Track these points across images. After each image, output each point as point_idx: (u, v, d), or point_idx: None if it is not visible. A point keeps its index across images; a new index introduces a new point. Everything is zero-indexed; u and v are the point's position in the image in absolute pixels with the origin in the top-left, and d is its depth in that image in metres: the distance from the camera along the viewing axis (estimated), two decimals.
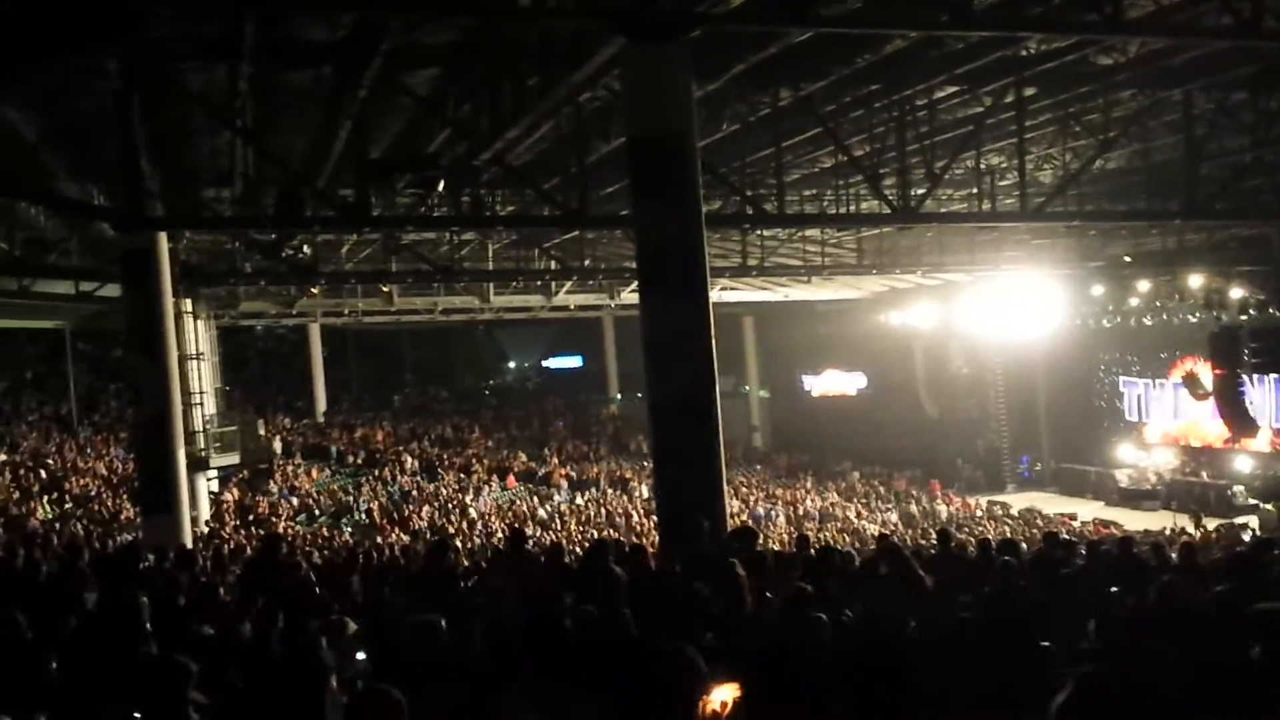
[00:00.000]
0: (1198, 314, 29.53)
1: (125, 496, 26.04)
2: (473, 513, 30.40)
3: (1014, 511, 33.16)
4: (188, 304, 26.14)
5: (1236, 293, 27.45)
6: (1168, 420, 35.04)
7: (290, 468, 33.58)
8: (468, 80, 15.74)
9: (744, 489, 34.64)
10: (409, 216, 21.31)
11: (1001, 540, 12.80)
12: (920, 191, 18.88)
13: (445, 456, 36.60)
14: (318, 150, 18.00)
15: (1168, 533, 25.53)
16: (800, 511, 32.88)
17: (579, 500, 33.19)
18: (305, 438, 37.59)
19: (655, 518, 18.32)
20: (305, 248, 23.85)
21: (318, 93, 15.74)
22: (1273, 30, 13.57)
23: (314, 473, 33.78)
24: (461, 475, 34.63)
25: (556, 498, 33.44)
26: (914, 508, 34.09)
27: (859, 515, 33.00)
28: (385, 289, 33.37)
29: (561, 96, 14.51)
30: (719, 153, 19.69)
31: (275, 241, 22.89)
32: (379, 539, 26.04)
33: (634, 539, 23.98)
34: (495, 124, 15.21)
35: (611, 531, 26.40)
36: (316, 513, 30.29)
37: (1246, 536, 21.43)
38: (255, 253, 25.15)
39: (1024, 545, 12.46)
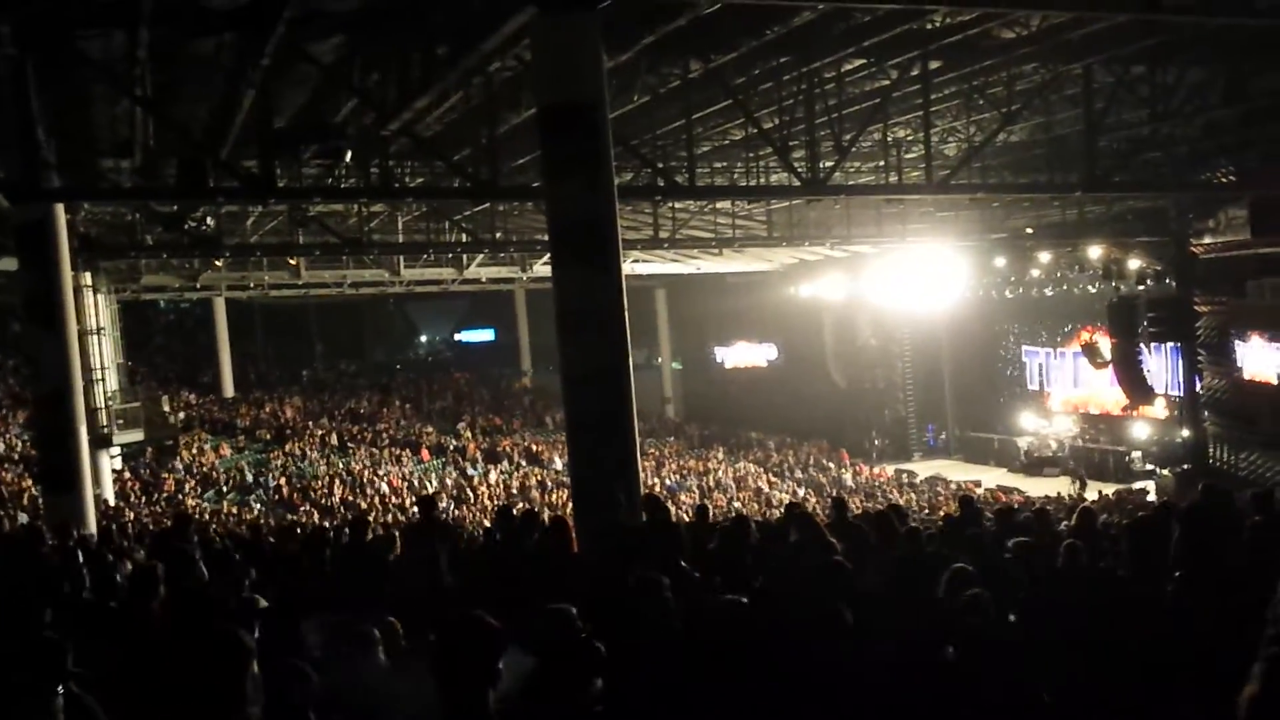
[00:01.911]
0: (1097, 284, 30.31)
1: (26, 474, 25.35)
2: (384, 487, 30.16)
3: (920, 479, 33.88)
4: (87, 278, 25.42)
5: (1134, 264, 28.21)
6: (1068, 388, 36.01)
7: (196, 444, 32.95)
8: (375, 49, 15.49)
9: (657, 460, 34.86)
10: (315, 188, 20.91)
11: (891, 507, 13.02)
12: (829, 164, 19.09)
13: (356, 431, 36.21)
14: (220, 120, 17.58)
15: (1062, 498, 26.33)
16: (712, 482, 33.20)
17: (493, 474, 33.11)
18: (211, 414, 36.91)
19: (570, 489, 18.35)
20: (208, 220, 23.33)
21: (220, 61, 15.37)
22: (1171, 4, 13.94)
23: (221, 449, 33.19)
24: (373, 450, 34.31)
25: (470, 471, 33.31)
26: (823, 477, 34.62)
27: (770, 485, 33.43)
28: (292, 262, 32.77)
29: (471, 66, 14.37)
30: (630, 125, 19.66)
31: (177, 213, 22.35)
32: (288, 515, 25.80)
33: (548, 511, 24.05)
34: (403, 94, 15.00)
35: (524, 504, 26.39)
36: (224, 489, 29.79)
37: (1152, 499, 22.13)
38: (157, 225, 24.54)
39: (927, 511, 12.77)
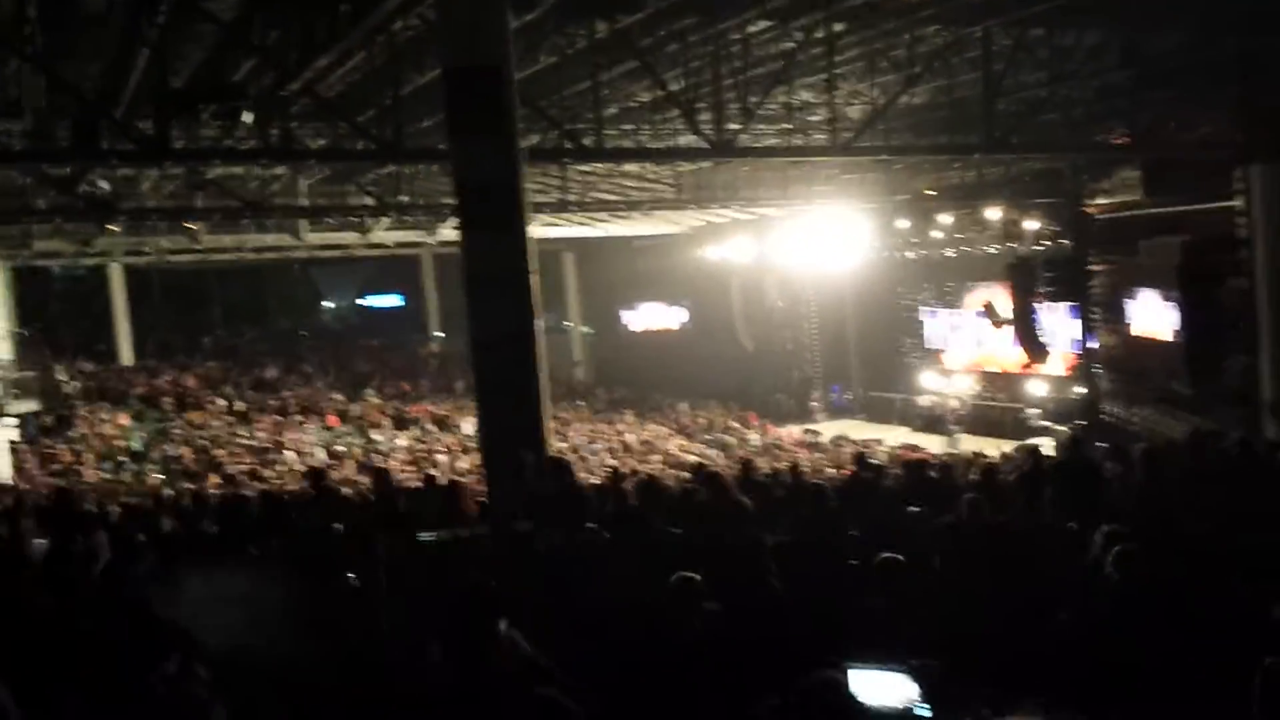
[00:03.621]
0: (996, 245, 30.93)
1: None
2: (289, 455, 29.74)
3: (825, 439, 34.38)
4: None
5: (1031, 224, 28.86)
6: (969, 348, 36.81)
7: (95, 414, 32.12)
8: (275, 6, 15.14)
9: (566, 424, 34.89)
10: (213, 150, 20.44)
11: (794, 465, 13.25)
12: (735, 127, 19.18)
13: (261, 400, 35.59)
14: (115, 80, 17.08)
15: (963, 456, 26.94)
16: (623, 445, 33.31)
17: (401, 439, 32.83)
18: (109, 383, 35.97)
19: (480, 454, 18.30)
20: (103, 183, 22.67)
21: (113, 18, 14.90)
22: None
23: (120, 419, 32.38)
24: (278, 417, 33.77)
25: (378, 438, 32.98)
26: (732, 438, 34.95)
27: (681, 448, 33.64)
28: (191, 227, 31.95)
29: (374, 24, 14.12)
30: (537, 86, 19.52)
31: (70, 177, 21.68)
32: (191, 485, 25.32)
33: (456, 477, 23.96)
34: (305, 53, 14.69)
35: (434, 470, 26.25)
36: (123, 460, 29.10)
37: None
38: (49, 189, 23.77)
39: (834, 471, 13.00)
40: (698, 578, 5.53)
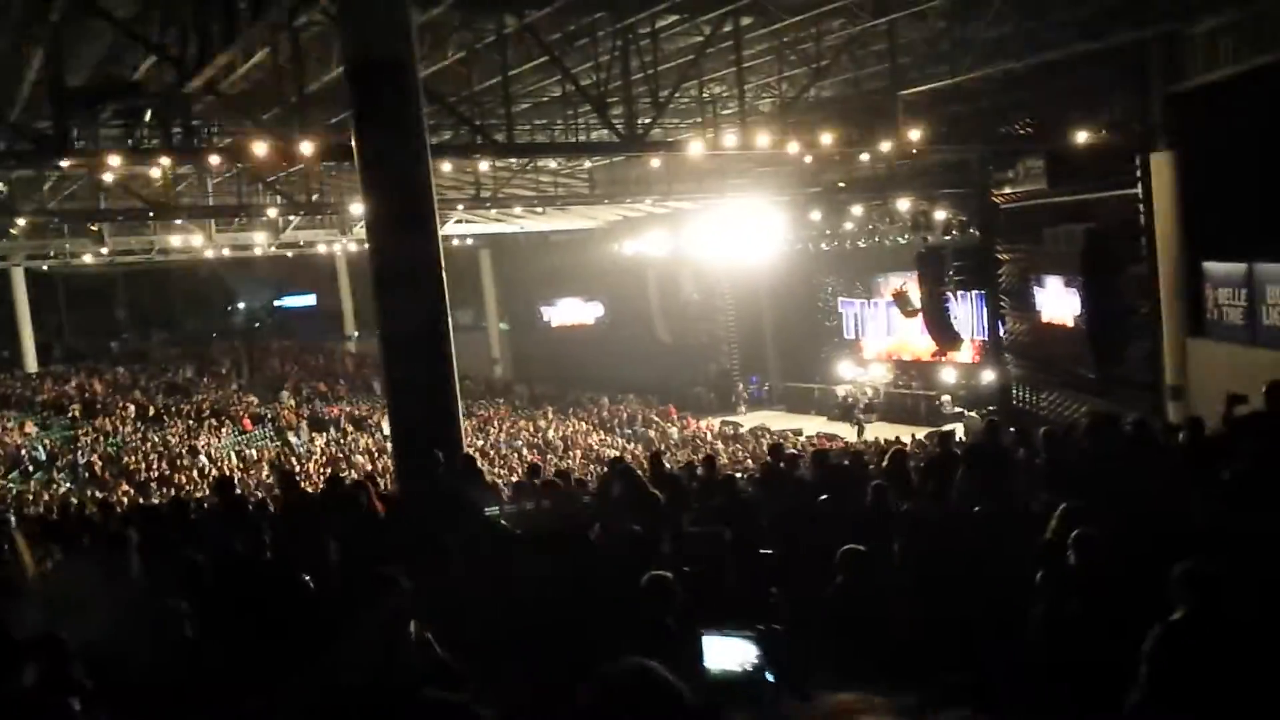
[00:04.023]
0: (906, 236, 31.38)
1: None
2: (203, 459, 29.21)
3: (744, 430, 34.64)
4: None
5: (940, 215, 29.33)
6: (882, 337, 37.36)
7: None
8: (173, 3, 14.83)
9: (484, 421, 34.74)
10: (113, 150, 19.94)
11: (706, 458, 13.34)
12: (646, 121, 19.22)
13: (172, 404, 34.87)
14: (9, 79, 16.63)
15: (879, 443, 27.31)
16: (543, 440, 33.25)
17: (318, 441, 32.43)
18: (13, 391, 35.00)
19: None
20: (1, 185, 22.05)
21: (5, 16, 14.51)
22: None
23: (25, 427, 31.53)
24: (191, 423, 33.11)
25: (294, 440, 32.53)
26: (652, 432, 35.06)
27: (600, 442, 33.67)
28: (94, 228, 31.15)
29: (274, 20, 13.90)
30: (446, 82, 19.38)
31: None
32: (100, 493, 24.76)
33: (376, 476, 23.71)
34: (203, 49, 14.41)
35: (351, 470, 25.98)
36: (31, 469, 28.36)
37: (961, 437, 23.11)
38: None
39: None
40: (670, 575, 5.51)
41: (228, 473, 27.08)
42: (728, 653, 5.04)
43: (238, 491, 12.25)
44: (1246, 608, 4.65)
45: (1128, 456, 8.93)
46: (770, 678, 5.01)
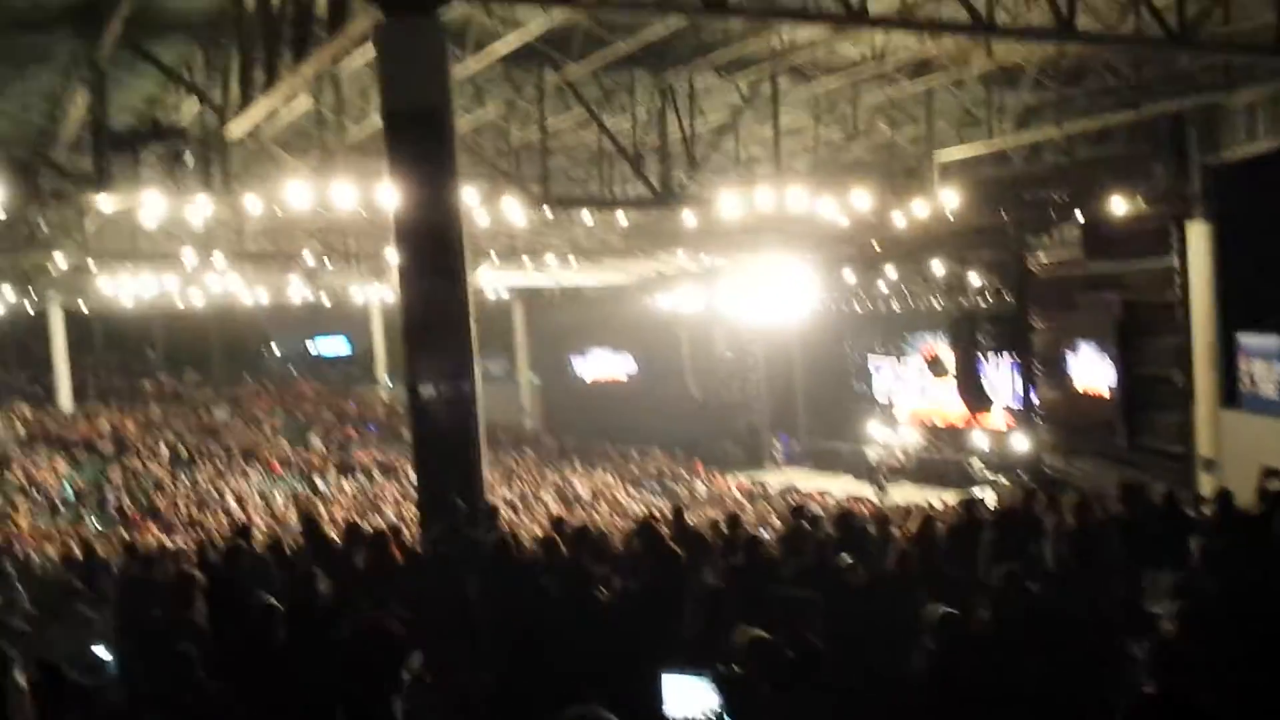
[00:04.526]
0: (939, 299, 31.24)
1: None
2: (231, 502, 29.31)
3: (773, 488, 34.40)
4: None
5: (974, 279, 29.23)
6: (913, 399, 37.10)
7: (31, 460, 31.49)
8: (217, 48, 15.10)
9: (510, 472, 34.70)
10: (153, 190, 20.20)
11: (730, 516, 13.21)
12: (682, 177, 19.35)
13: (202, 445, 35.07)
14: (54, 119, 16.94)
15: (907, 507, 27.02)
16: (570, 494, 33.16)
17: (345, 486, 32.48)
18: (47, 428, 35.30)
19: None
20: (41, 224, 22.36)
21: (54, 58, 14.80)
22: (1006, 27, 14.49)
23: (57, 465, 31.75)
24: (220, 464, 33.27)
25: (321, 485, 32.59)
26: (680, 487, 34.89)
27: (627, 496, 33.54)
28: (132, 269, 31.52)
29: (316, 69, 14.09)
30: (484, 133, 19.61)
31: (6, 221, 21.36)
32: (132, 534, 24.83)
33: (400, 524, 23.64)
34: (246, 95, 14.64)
35: (376, 517, 25.97)
36: (61, 508, 28.54)
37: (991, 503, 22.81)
38: None
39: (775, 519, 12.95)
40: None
41: (253, 515, 27.16)
42: (688, 695, 4.98)
43: (259, 535, 12.23)
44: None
45: (1157, 526, 8.79)
46: None
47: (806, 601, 7.28)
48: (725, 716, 4.94)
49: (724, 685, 4.99)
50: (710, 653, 5.72)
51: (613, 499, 32.81)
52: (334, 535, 17.50)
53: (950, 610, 6.27)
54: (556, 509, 28.82)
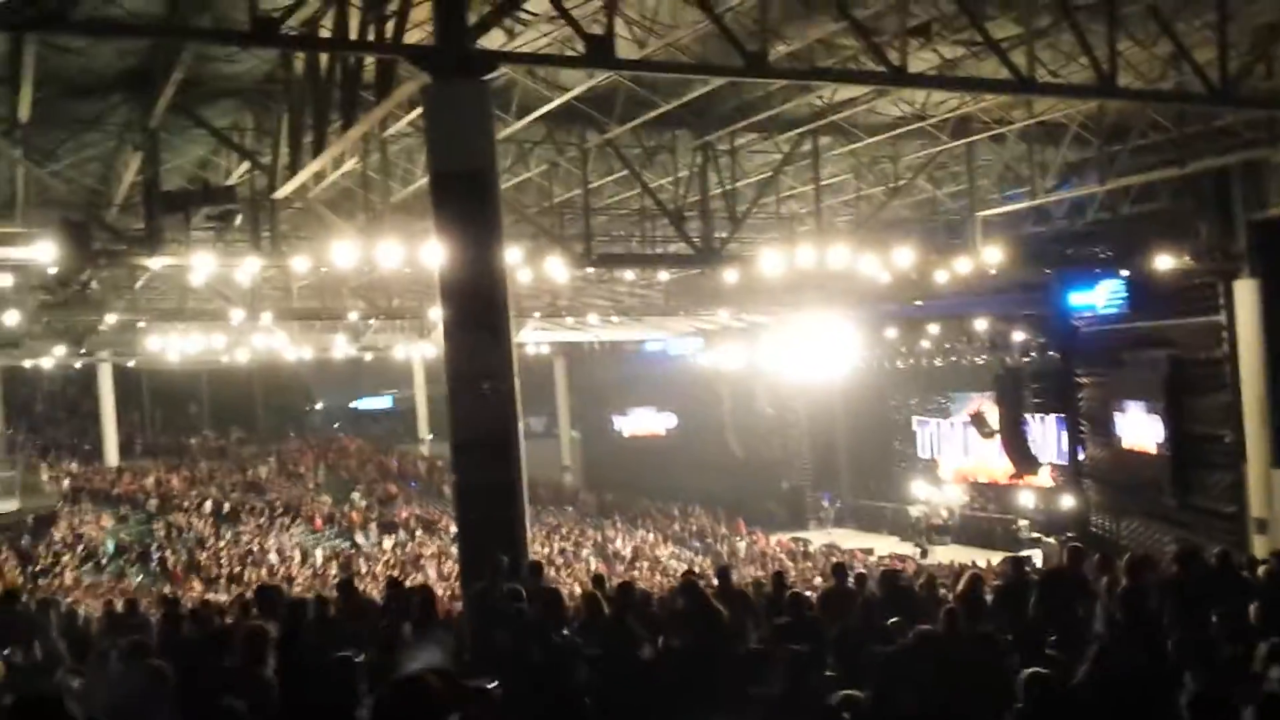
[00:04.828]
0: (983, 356, 31.03)
1: None
2: (273, 558, 29.43)
3: (814, 547, 34.10)
4: None
5: (1018, 336, 29.00)
6: (958, 458, 36.72)
7: (77, 514, 31.82)
8: (267, 112, 15.42)
9: (551, 529, 34.62)
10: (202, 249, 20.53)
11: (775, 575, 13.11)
12: (723, 235, 19.43)
13: (246, 501, 35.31)
14: (107, 181, 17.31)
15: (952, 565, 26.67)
16: (611, 551, 33.04)
17: (387, 542, 32.53)
18: (94, 483, 35.69)
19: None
20: (93, 283, 22.71)
21: (107, 121, 15.17)
22: (1047, 84, 14.53)
23: (103, 520, 32.05)
24: (263, 520, 33.46)
25: (362, 541, 32.68)
26: (721, 545, 34.67)
27: (668, 554, 33.37)
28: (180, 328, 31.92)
29: (364, 132, 14.35)
30: (527, 192, 19.82)
31: (59, 277, 21.73)
32: (173, 589, 24.98)
33: (441, 581, 23.70)
34: (295, 158, 14.91)
35: (417, 574, 25.99)
36: (104, 561, 28.78)
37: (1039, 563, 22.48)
38: (38, 289, 23.82)
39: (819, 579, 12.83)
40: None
41: (295, 571, 27.27)
42: None
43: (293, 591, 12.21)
44: None
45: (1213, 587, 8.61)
46: None
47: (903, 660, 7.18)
48: None
49: None
50: (797, 712, 5.65)
51: (653, 557, 32.65)
52: (373, 592, 17.57)
53: (1039, 670, 6.21)
54: (597, 566, 28.74)
